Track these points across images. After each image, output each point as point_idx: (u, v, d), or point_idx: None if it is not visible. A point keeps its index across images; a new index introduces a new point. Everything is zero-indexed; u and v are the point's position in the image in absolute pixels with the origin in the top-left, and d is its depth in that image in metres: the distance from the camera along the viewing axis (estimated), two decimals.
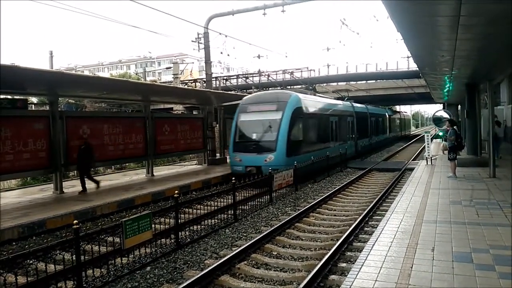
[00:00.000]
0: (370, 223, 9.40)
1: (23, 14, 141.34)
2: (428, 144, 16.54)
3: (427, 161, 16.08)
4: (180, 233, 8.17)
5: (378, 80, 41.99)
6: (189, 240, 8.34)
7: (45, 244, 7.38)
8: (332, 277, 6.20)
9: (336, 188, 13.56)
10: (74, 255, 6.05)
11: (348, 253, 7.29)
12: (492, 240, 5.73)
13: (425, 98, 37.09)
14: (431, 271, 4.72)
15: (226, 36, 21.67)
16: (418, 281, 4.44)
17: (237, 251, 7.15)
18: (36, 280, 5.70)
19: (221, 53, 23.11)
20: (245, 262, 7.00)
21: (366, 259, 5.26)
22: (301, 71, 39.47)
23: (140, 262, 7.03)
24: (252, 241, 7.73)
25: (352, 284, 4.51)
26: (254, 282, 6.24)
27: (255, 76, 37.25)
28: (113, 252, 6.77)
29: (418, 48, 9.01)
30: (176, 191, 8.71)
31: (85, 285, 6.03)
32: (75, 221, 5.78)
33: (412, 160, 22.80)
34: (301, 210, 10.37)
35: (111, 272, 6.57)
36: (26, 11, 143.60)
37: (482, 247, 5.45)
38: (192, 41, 21.66)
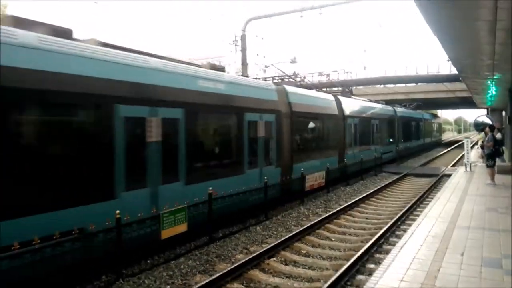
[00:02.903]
0: (402, 227, 9.34)
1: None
2: (467, 150, 16.07)
3: (466, 167, 15.63)
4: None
5: (418, 84, 40.89)
6: (221, 235, 8.65)
7: None
8: (360, 277, 6.29)
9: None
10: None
11: (377, 255, 7.34)
12: None
13: (468, 103, 35.68)
14: (458, 274, 4.74)
15: (262, 38, 22.00)
16: (444, 283, 4.49)
17: (267, 247, 7.37)
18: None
19: (257, 55, 23.44)
20: (274, 258, 7.22)
21: (394, 260, 5.34)
22: (338, 73, 39.10)
23: (174, 253, 7.42)
24: (282, 239, 7.93)
25: (377, 282, 4.63)
26: (282, 278, 6.44)
27: (291, 78, 37.26)
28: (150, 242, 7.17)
29: (456, 52, 8.87)
30: None
31: (124, 271, 6.45)
32: (117, 211, 6.17)
33: (452, 166, 22.12)
34: (331, 212, 10.45)
35: (148, 261, 7.00)
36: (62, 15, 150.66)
37: None
38: (229, 43, 22.09)
